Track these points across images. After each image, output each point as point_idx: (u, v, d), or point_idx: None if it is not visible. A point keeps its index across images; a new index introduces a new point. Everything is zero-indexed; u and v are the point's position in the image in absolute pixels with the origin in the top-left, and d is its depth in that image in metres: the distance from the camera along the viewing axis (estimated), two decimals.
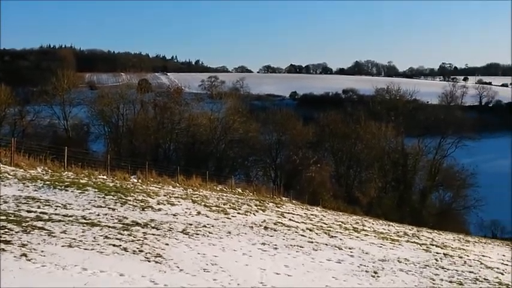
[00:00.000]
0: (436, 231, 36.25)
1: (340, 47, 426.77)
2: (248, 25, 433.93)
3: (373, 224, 32.57)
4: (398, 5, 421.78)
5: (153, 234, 14.91)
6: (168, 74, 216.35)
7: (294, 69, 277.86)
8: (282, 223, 22.68)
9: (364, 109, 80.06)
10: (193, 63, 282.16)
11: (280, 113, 71.71)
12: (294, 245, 17.18)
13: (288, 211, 29.30)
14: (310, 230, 21.87)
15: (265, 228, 20.23)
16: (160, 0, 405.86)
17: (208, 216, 20.80)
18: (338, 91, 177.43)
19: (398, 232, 29.07)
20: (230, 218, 21.45)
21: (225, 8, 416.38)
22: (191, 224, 18.07)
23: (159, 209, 20.30)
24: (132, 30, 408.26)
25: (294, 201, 42.88)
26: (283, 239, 18.16)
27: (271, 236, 18.40)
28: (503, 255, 24.87)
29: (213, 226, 18.52)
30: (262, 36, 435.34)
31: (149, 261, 11.79)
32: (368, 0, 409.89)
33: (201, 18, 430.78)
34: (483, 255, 23.25)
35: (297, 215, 28.43)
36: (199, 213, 21.23)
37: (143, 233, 14.91)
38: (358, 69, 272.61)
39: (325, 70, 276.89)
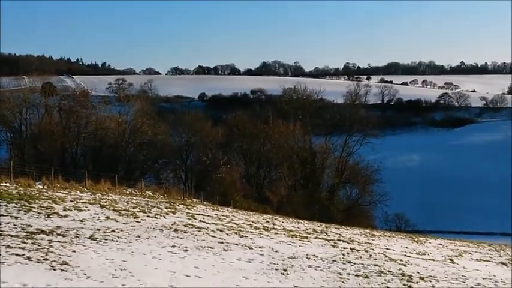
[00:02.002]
0: (343, 226, 37.25)
1: (248, 47, 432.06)
2: (154, 26, 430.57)
3: (283, 222, 33.06)
4: (300, 5, 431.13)
5: (59, 242, 14.54)
6: (74, 76, 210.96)
7: (202, 70, 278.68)
8: (192, 225, 22.65)
9: (272, 109, 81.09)
10: (99, 65, 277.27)
11: (189, 114, 71.43)
12: (205, 246, 17.23)
13: (198, 212, 29.27)
14: (221, 231, 21.96)
15: (176, 230, 20.14)
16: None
17: (117, 221, 20.48)
18: (246, 91, 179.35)
19: (307, 229, 29.68)
20: (140, 222, 21.21)
21: (129, 8, 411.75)
22: (99, 230, 17.74)
23: (66, 216, 19.78)
24: (33, 32, 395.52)
25: (205, 203, 42.85)
26: (194, 241, 18.17)
27: (182, 238, 18.36)
28: (406, 248, 25.98)
29: (122, 230, 18.25)
30: (169, 37, 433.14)
31: (55, 270, 11.51)
32: (271, 0, 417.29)
33: (106, 18, 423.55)
34: (387, 248, 24.19)
35: (208, 216, 28.46)
36: (107, 218, 20.85)
37: (48, 240, 14.51)
38: (265, 69, 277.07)
39: (234, 71, 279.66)
